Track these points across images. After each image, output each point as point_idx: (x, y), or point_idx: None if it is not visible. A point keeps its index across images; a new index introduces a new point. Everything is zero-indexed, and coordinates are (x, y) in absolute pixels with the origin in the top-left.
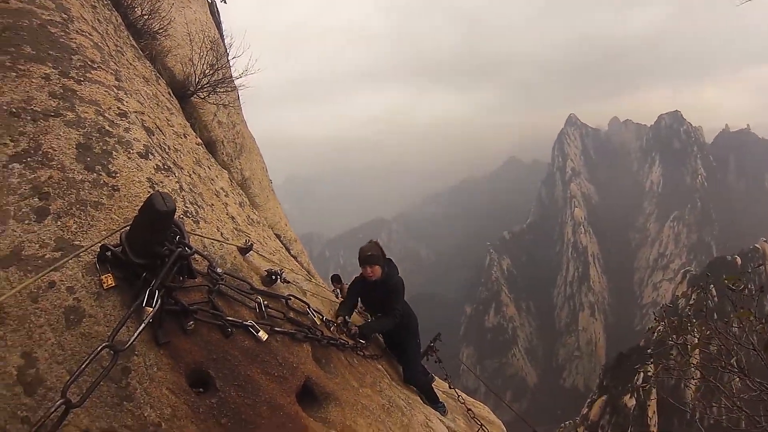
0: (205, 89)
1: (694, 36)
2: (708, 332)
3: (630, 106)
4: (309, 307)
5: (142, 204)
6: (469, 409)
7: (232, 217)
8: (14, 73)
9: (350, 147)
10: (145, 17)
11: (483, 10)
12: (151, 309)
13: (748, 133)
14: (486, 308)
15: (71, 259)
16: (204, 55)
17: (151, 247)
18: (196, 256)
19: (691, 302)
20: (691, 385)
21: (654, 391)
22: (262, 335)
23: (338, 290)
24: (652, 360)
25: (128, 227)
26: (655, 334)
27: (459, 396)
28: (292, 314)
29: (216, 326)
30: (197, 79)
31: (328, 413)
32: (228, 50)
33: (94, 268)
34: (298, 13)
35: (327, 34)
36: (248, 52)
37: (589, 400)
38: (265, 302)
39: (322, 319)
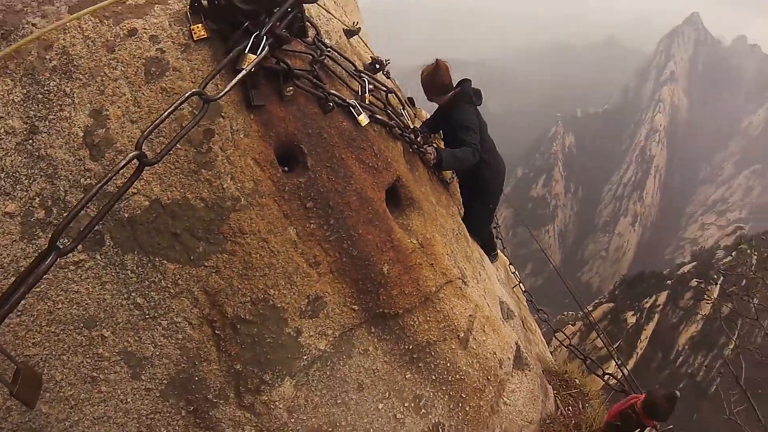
0: None
1: None
2: (729, 291)
3: (764, 31)
4: (404, 108)
5: None
6: (511, 263)
7: None
8: None
9: None
10: None
11: None
12: (255, 56)
13: None
14: (536, 177)
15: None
16: None
17: None
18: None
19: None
20: (686, 331)
21: (656, 319)
22: (363, 119)
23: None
24: (667, 291)
25: None
26: (680, 269)
27: (505, 249)
28: (390, 109)
29: (316, 98)
30: None
31: (411, 221)
32: None
33: (184, 18)
34: None
35: None
36: None
37: (596, 301)
38: (370, 86)
39: (413, 127)
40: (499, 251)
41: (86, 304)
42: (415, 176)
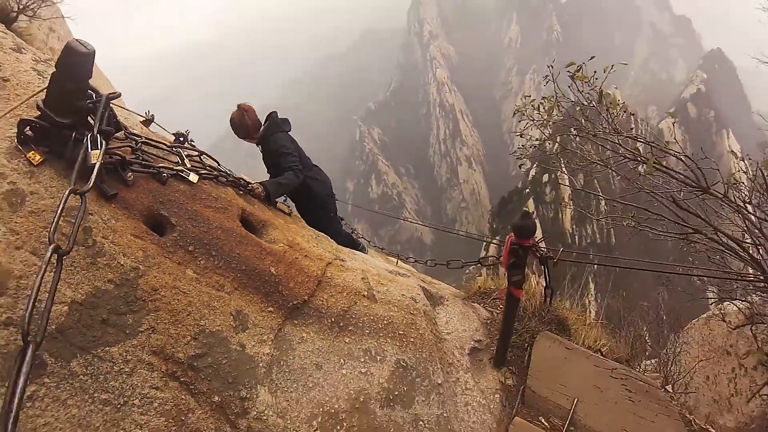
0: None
1: None
2: (572, 165)
3: None
4: (218, 163)
5: (59, 55)
6: (383, 248)
7: None
8: None
9: (192, 56)
10: None
11: None
12: (98, 151)
13: None
14: (367, 180)
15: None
16: None
17: (75, 101)
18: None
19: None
20: (566, 213)
21: (537, 223)
22: (193, 177)
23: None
24: (531, 198)
25: (44, 93)
26: (529, 175)
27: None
28: (208, 167)
29: (151, 176)
30: None
31: (271, 234)
32: None
33: (16, 151)
34: None
35: None
36: None
37: (484, 243)
38: (185, 153)
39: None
40: (367, 247)
41: (61, 429)
42: (256, 207)
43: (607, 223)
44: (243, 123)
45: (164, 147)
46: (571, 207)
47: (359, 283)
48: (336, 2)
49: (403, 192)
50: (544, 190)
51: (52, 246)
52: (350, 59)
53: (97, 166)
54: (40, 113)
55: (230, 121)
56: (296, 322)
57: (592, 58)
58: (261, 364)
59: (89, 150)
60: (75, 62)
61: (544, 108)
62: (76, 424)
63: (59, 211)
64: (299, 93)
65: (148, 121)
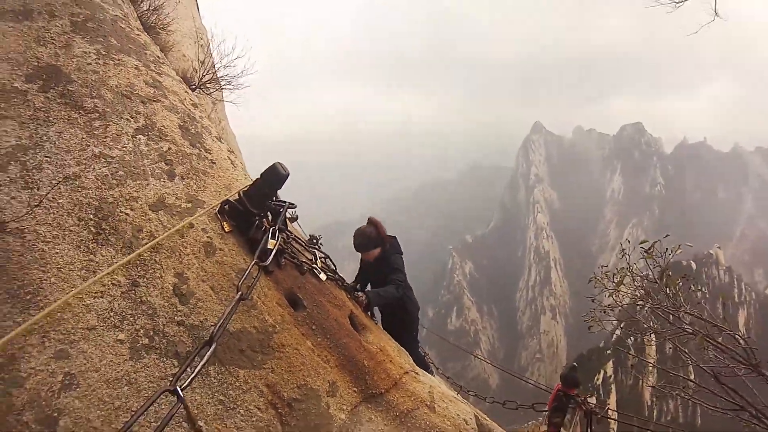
0: (206, 86)
1: (656, 50)
2: (664, 330)
3: (593, 116)
4: (336, 269)
5: (266, 169)
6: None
7: None
8: (112, 62)
9: (307, 148)
10: (150, 12)
11: (449, 11)
12: (275, 241)
13: (704, 145)
14: (448, 311)
15: (208, 211)
16: (207, 52)
17: (265, 201)
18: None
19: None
20: (648, 382)
21: (613, 389)
22: (323, 276)
23: None
24: (611, 360)
25: (246, 187)
26: (613, 335)
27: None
28: (332, 270)
29: (295, 266)
30: (201, 75)
31: (368, 336)
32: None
33: (215, 217)
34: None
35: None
36: (244, 51)
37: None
38: (321, 255)
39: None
40: (435, 372)
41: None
42: (359, 312)
43: (692, 401)
44: (376, 237)
45: (303, 245)
46: (653, 377)
47: (425, 395)
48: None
49: (480, 330)
50: (627, 354)
51: (239, 293)
52: (456, 189)
53: (273, 252)
54: (239, 198)
55: (361, 233)
56: (370, 405)
57: (667, 236)
58: (335, 425)
59: (268, 238)
60: (275, 178)
61: (617, 278)
62: (196, 406)
63: (247, 271)
64: (399, 210)
65: (292, 219)
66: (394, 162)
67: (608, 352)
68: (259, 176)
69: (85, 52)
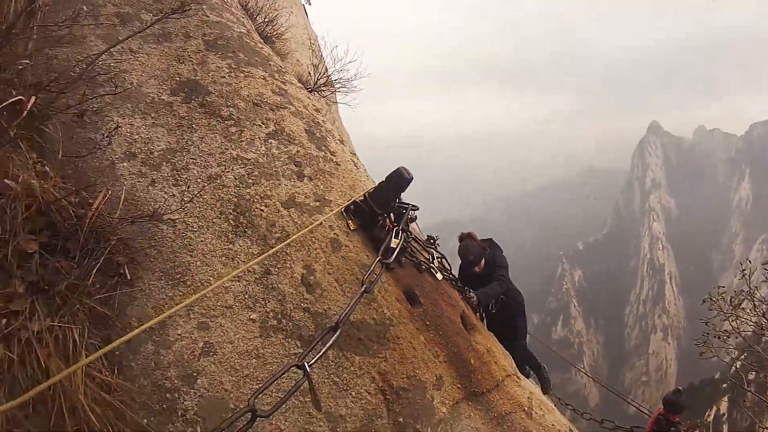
0: (321, 89)
1: None
2: None
3: (718, 114)
4: (451, 269)
5: (391, 172)
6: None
7: None
8: (242, 74)
9: (425, 148)
10: (265, 23)
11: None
12: (398, 240)
13: None
14: (554, 320)
15: (338, 211)
16: (320, 57)
17: (389, 203)
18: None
19: None
20: (765, 427)
21: (725, 430)
22: (439, 276)
23: None
24: (727, 396)
25: (372, 189)
26: (732, 367)
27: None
28: (447, 270)
29: (414, 264)
30: (315, 79)
31: (476, 337)
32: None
33: (340, 215)
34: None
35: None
36: (356, 54)
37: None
38: (438, 255)
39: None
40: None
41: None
42: (469, 312)
43: None
44: (481, 249)
45: (422, 244)
46: None
47: (524, 400)
48: (565, 134)
49: (585, 343)
50: (747, 389)
51: (364, 286)
52: (566, 192)
53: (396, 251)
54: (364, 199)
55: (470, 249)
56: (470, 403)
57: None
58: (436, 416)
59: (392, 237)
60: (400, 182)
61: (735, 301)
62: (315, 383)
63: (372, 267)
64: (510, 213)
65: (412, 219)
66: (505, 165)
67: (724, 386)
68: (384, 179)
69: (219, 67)
